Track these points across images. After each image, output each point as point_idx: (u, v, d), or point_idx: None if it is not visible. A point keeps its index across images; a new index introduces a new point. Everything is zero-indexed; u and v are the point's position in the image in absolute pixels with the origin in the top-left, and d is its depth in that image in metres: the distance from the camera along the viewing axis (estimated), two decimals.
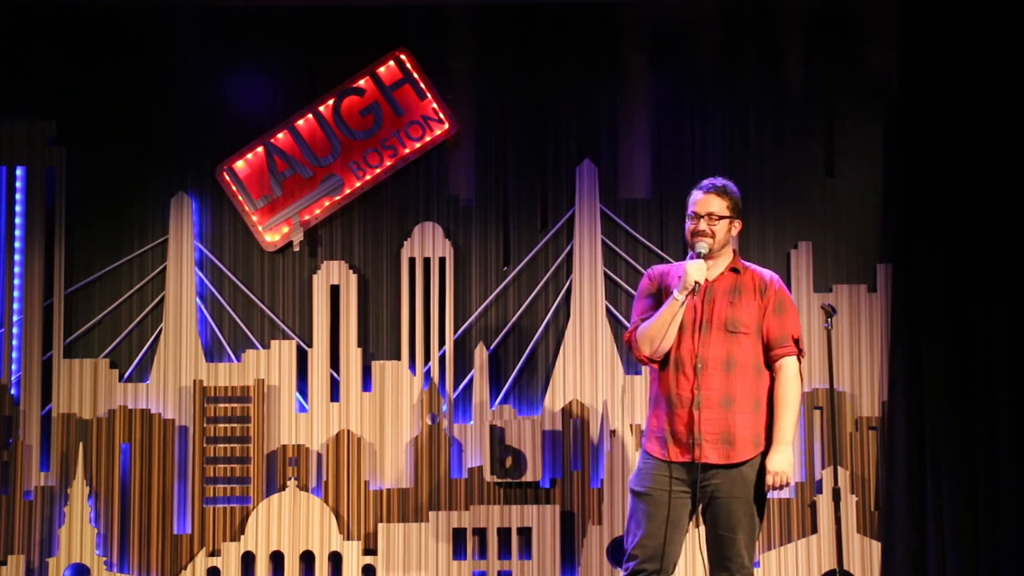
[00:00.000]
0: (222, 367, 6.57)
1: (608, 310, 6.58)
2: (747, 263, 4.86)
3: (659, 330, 4.64)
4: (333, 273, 6.63)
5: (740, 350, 4.66)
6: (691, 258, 4.70)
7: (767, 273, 4.82)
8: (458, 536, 6.41)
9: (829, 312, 5.49)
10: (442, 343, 6.60)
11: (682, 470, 4.63)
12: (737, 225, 4.81)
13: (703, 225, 4.71)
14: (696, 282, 4.59)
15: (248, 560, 6.41)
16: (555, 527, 6.39)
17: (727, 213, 4.75)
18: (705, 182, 4.83)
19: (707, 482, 4.62)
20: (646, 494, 4.66)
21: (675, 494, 4.62)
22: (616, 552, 6.39)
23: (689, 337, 4.65)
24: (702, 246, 4.68)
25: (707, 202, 4.74)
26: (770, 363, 4.72)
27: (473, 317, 6.63)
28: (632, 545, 4.65)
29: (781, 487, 4.64)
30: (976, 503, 6.24)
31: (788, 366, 4.70)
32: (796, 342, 4.75)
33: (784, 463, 4.63)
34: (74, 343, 6.62)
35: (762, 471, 4.65)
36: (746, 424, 4.63)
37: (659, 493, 4.63)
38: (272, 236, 6.68)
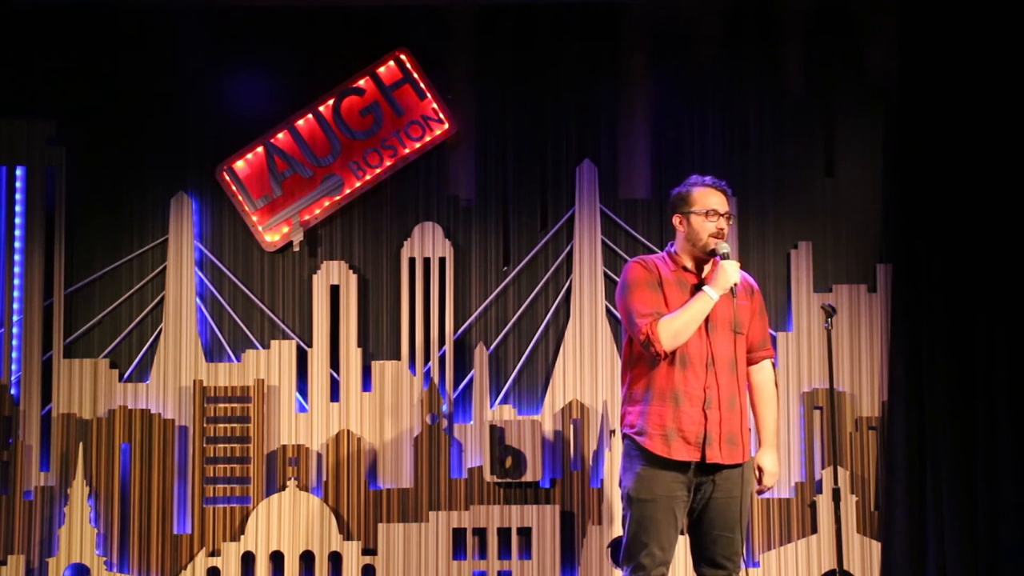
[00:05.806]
0: (222, 367, 6.57)
1: (608, 310, 6.57)
2: None
3: (688, 326, 4.53)
4: (333, 273, 6.63)
5: (739, 350, 4.68)
6: (720, 258, 4.61)
7: (747, 275, 4.83)
8: (458, 536, 6.41)
9: (829, 312, 5.50)
10: (442, 343, 6.60)
11: (683, 470, 4.59)
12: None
13: (723, 224, 4.66)
14: (735, 284, 4.57)
15: (248, 560, 6.41)
16: (555, 527, 6.38)
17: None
18: (714, 180, 4.73)
19: (708, 482, 4.61)
20: (652, 501, 4.57)
21: (679, 499, 4.59)
22: (616, 552, 6.39)
23: (696, 335, 4.58)
24: (725, 246, 4.62)
25: (724, 202, 4.68)
26: (747, 363, 4.78)
27: (473, 317, 6.63)
28: (641, 554, 4.56)
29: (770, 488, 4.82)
30: (976, 503, 6.24)
31: (768, 368, 4.84)
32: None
33: (777, 464, 4.77)
34: (74, 343, 6.61)
35: (751, 471, 4.72)
36: (744, 424, 4.65)
37: (665, 499, 4.57)
38: (272, 236, 6.68)
